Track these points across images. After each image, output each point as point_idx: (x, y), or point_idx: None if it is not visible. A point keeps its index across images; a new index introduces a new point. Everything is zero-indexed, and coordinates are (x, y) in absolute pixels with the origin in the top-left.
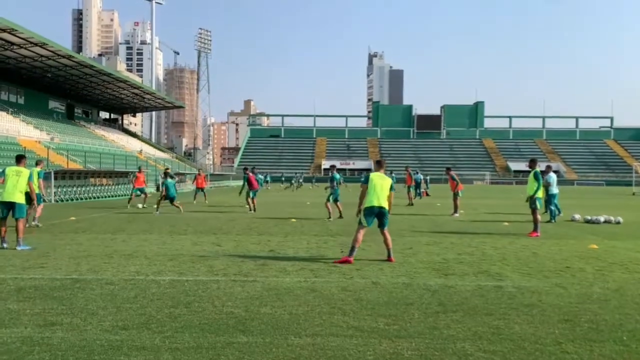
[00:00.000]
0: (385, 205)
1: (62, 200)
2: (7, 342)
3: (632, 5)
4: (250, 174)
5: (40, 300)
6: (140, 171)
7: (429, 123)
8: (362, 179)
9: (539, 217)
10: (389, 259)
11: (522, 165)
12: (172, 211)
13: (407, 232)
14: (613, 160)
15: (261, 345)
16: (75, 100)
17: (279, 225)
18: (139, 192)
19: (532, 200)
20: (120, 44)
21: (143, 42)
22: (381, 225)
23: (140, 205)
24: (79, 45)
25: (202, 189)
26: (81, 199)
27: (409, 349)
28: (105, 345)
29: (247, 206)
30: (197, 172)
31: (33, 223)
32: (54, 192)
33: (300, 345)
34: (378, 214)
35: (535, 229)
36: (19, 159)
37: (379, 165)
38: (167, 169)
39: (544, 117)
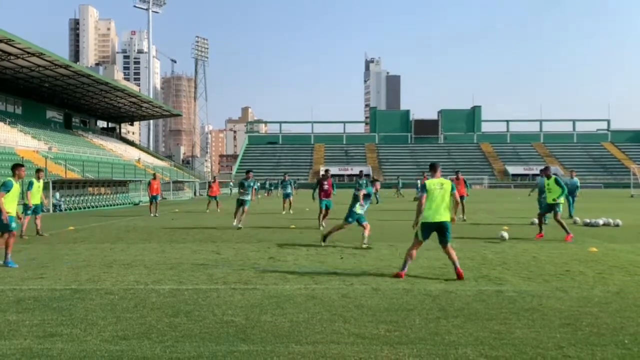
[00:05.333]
0: (446, 217)
1: (60, 210)
2: (6, 354)
3: (629, 10)
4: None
5: (40, 311)
6: (154, 178)
7: (426, 128)
8: (419, 188)
9: (562, 220)
10: (457, 272)
11: (520, 169)
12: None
13: (407, 237)
14: (610, 162)
15: (262, 354)
16: (73, 110)
17: (278, 232)
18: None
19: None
20: (117, 53)
21: (140, 51)
22: (442, 242)
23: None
24: (76, 55)
25: (216, 197)
26: (80, 208)
27: (410, 355)
28: (106, 356)
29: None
30: (212, 180)
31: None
32: (52, 203)
33: (301, 353)
34: (438, 229)
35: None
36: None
37: (433, 169)
38: (286, 174)
39: (541, 121)
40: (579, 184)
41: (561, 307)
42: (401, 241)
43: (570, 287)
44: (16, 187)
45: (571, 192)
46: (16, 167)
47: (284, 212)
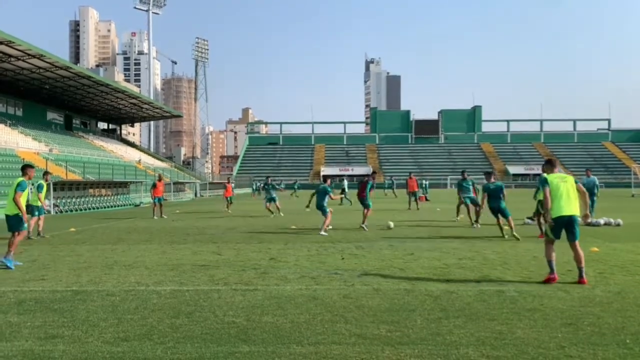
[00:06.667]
0: (576, 211)
1: (61, 212)
2: (8, 356)
3: (629, 9)
4: (369, 179)
5: (41, 313)
6: (160, 180)
7: (427, 128)
8: (539, 183)
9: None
10: (580, 281)
11: (521, 169)
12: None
13: (408, 237)
14: (611, 162)
15: (263, 355)
16: (74, 111)
17: (279, 232)
18: (156, 201)
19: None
20: (118, 54)
21: (140, 52)
22: (571, 238)
23: (161, 216)
24: (76, 57)
25: (229, 198)
26: (80, 209)
27: (412, 356)
28: (107, 357)
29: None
30: (226, 181)
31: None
32: (53, 204)
33: (302, 354)
34: (567, 224)
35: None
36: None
37: (551, 165)
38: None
39: (541, 121)
40: (597, 182)
41: (562, 307)
42: (402, 242)
43: (571, 287)
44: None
45: (589, 192)
46: (28, 168)
47: (272, 216)
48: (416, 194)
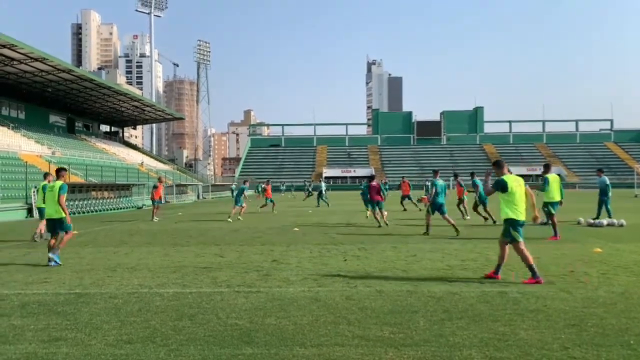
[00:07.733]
0: (526, 217)
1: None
2: (11, 359)
3: (631, 9)
4: (373, 183)
5: (44, 316)
6: (160, 182)
7: (429, 129)
8: (497, 186)
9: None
10: (529, 280)
11: (524, 170)
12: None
13: (411, 239)
14: (614, 162)
15: (266, 357)
16: (76, 114)
17: (282, 234)
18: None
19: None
20: (120, 57)
21: (142, 55)
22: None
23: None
24: (78, 59)
25: (270, 199)
26: (83, 212)
27: (414, 357)
28: None
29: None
30: (265, 183)
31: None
32: None
33: (305, 356)
34: (522, 227)
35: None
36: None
37: (499, 166)
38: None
39: (543, 121)
40: (608, 182)
41: (566, 308)
42: (404, 243)
43: (574, 288)
44: None
45: (603, 192)
46: (62, 171)
47: (229, 220)
48: (410, 197)
